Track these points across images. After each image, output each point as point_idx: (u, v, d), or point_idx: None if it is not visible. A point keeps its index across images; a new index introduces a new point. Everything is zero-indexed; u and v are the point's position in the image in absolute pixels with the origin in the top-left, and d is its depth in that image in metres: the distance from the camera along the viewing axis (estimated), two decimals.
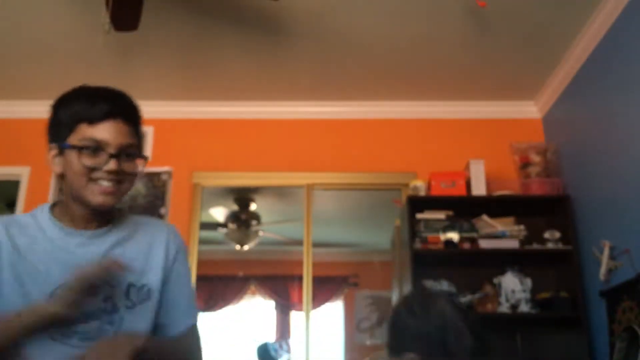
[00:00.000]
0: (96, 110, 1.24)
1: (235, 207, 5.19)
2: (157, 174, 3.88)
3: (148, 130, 3.94)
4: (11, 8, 3.06)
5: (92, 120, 1.24)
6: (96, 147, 1.24)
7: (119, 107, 1.28)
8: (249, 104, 4.03)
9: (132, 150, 1.28)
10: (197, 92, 3.92)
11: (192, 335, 1.42)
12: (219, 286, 6.07)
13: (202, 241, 3.90)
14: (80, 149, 1.23)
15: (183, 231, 3.78)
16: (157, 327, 1.36)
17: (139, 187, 3.84)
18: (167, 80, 3.77)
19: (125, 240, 1.35)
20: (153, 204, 3.81)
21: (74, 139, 1.25)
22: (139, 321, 1.31)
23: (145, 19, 2.81)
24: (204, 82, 3.79)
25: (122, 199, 1.31)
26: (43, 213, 1.33)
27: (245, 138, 4.00)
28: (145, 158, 1.32)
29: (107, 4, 2.58)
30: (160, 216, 3.78)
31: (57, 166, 1.29)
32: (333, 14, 3.11)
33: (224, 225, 5.27)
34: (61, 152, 1.27)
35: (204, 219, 4.15)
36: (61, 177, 1.30)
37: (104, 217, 1.33)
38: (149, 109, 4.21)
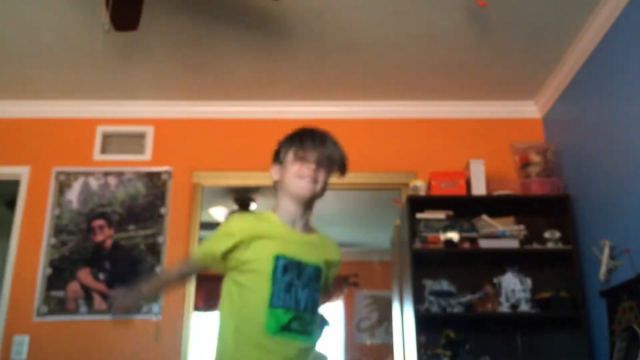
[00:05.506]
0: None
1: (235, 207, 5.19)
2: (157, 174, 3.88)
3: (148, 130, 3.95)
4: (11, 8, 3.06)
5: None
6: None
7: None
8: (249, 104, 4.03)
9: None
10: (197, 92, 3.92)
11: None
12: (218, 286, 6.05)
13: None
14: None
15: (183, 231, 3.78)
16: None
17: (139, 187, 3.84)
18: (167, 80, 3.77)
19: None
20: (153, 204, 3.81)
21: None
22: None
23: (145, 19, 2.81)
24: (204, 82, 3.79)
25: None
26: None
27: (245, 138, 4.00)
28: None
29: (107, 4, 2.58)
30: (160, 216, 3.78)
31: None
32: (333, 14, 3.11)
33: None
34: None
35: (204, 218, 4.15)
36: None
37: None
38: (149, 109, 4.26)
